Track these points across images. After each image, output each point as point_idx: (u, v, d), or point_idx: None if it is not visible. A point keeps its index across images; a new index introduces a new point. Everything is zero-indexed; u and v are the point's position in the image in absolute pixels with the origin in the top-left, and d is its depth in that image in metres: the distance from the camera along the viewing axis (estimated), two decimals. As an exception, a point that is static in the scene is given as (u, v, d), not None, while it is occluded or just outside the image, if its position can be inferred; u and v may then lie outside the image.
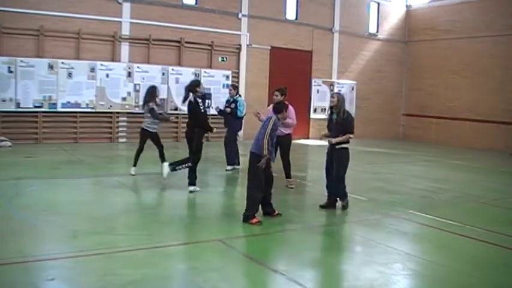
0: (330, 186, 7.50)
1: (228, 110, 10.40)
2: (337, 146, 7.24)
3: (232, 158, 10.53)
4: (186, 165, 7.89)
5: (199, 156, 8.01)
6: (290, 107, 8.63)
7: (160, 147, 9.25)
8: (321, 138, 7.88)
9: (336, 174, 7.29)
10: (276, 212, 6.74)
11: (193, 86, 8.06)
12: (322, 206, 7.44)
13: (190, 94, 7.96)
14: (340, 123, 7.21)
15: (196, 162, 7.96)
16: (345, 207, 7.42)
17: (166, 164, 8.00)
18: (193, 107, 7.91)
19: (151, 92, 9.29)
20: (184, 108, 8.55)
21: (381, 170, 11.64)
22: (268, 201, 6.70)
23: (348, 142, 7.26)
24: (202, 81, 15.54)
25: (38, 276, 4.43)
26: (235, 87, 11.04)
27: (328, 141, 7.27)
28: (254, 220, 6.31)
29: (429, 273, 4.98)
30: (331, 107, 7.42)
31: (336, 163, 7.27)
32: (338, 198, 7.46)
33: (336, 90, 19.24)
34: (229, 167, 10.49)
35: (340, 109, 7.23)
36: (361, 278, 4.79)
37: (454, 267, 5.15)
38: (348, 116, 7.24)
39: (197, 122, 7.92)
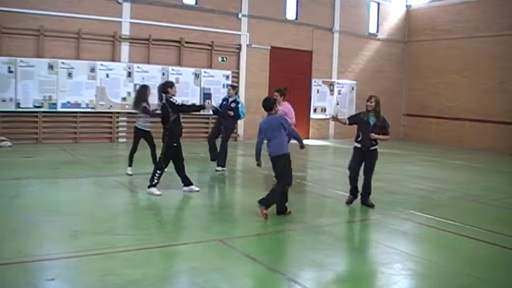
0: (355, 183, 7.67)
1: (231, 113, 10.25)
2: (371, 148, 7.45)
3: (223, 158, 10.31)
4: (157, 174, 7.83)
5: (168, 162, 7.95)
6: (289, 106, 8.65)
7: (153, 147, 9.31)
8: (332, 119, 8.13)
9: (370, 172, 7.57)
10: (288, 210, 6.85)
11: (166, 87, 7.94)
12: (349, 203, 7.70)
13: (163, 95, 7.89)
14: (379, 126, 7.40)
15: (165, 166, 7.94)
16: (373, 205, 7.57)
17: (149, 189, 7.94)
18: (165, 109, 7.80)
19: (143, 91, 9.29)
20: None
21: (381, 170, 11.58)
22: (286, 199, 6.82)
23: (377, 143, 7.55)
24: (202, 81, 15.72)
25: (38, 276, 4.43)
26: (234, 87, 10.93)
27: (371, 136, 7.38)
28: (264, 211, 6.41)
29: (429, 273, 4.98)
30: (368, 110, 7.45)
31: (371, 163, 7.54)
32: (366, 198, 7.61)
33: (336, 90, 19.25)
34: (219, 168, 10.26)
35: (379, 112, 7.42)
36: (361, 278, 4.79)
37: (454, 267, 5.15)
38: (385, 119, 7.48)
39: (167, 125, 7.80)
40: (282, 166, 6.66)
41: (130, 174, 9.18)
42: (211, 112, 10.58)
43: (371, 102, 7.39)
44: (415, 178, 10.74)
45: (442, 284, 4.72)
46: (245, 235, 6.04)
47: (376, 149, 7.53)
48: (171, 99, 7.79)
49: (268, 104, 6.72)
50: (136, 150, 9.34)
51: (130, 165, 9.31)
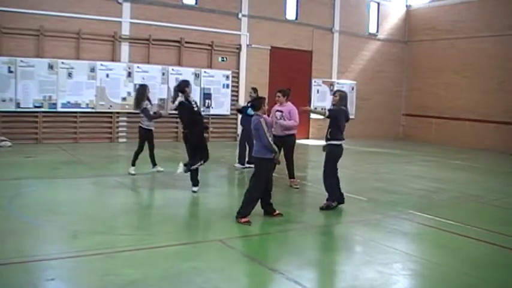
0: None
1: (240, 106, 10.49)
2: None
3: (244, 157, 10.71)
4: (199, 163, 7.83)
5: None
6: (292, 106, 8.73)
7: (152, 146, 9.32)
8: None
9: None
10: (277, 212, 6.72)
11: (182, 87, 7.97)
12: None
13: (180, 95, 7.91)
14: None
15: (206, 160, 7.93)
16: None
17: (182, 164, 7.81)
18: (186, 107, 7.83)
19: (142, 91, 9.32)
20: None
21: (381, 170, 11.64)
22: (267, 200, 6.70)
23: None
24: (202, 81, 15.71)
25: (38, 276, 4.43)
26: (255, 90, 11.00)
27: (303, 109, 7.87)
28: (243, 220, 6.28)
29: (429, 273, 4.98)
30: (333, 105, 7.55)
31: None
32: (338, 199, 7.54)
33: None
34: (238, 165, 10.70)
35: (338, 105, 7.42)
36: (361, 278, 4.79)
37: (454, 267, 5.15)
38: (334, 110, 7.44)
39: (192, 122, 7.82)
40: (254, 168, 6.57)
41: (133, 174, 9.17)
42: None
43: (335, 96, 7.50)
44: (415, 178, 10.74)
45: (442, 284, 4.73)
46: (245, 235, 6.04)
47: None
48: (191, 101, 7.83)
49: (256, 105, 6.52)
50: (143, 150, 9.33)
51: (133, 165, 9.28)
